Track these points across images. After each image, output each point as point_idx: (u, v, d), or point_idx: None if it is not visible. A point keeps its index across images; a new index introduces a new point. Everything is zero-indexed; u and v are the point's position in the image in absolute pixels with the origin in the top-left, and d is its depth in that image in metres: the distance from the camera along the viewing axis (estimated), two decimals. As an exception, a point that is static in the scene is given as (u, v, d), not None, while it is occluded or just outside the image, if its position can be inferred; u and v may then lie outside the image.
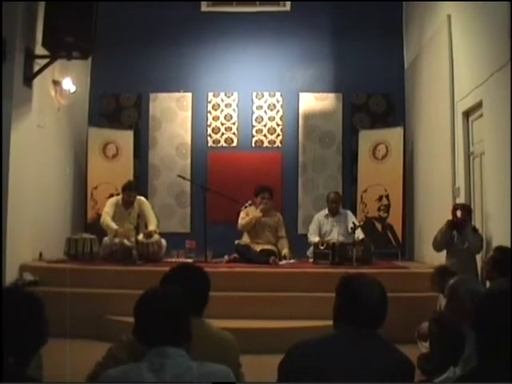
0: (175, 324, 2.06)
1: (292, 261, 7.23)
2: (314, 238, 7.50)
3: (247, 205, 7.60)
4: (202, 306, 2.65)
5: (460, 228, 5.66)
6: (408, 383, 2.19)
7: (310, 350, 2.20)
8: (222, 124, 9.25)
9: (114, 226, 7.11)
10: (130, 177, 8.49)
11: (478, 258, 5.69)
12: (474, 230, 5.64)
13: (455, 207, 5.86)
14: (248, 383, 2.73)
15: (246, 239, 7.47)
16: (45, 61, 6.71)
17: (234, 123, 9.26)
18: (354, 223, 7.27)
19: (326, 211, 7.79)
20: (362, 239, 7.18)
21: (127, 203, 7.33)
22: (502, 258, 4.19)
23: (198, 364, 2.01)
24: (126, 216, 7.32)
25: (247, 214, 7.49)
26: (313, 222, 7.84)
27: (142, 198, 7.59)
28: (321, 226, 7.72)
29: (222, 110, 9.27)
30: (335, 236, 7.56)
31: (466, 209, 5.82)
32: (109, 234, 7.14)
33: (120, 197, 7.42)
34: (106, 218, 7.20)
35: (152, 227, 7.19)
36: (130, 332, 2.51)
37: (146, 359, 1.99)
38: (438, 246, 5.90)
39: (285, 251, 7.38)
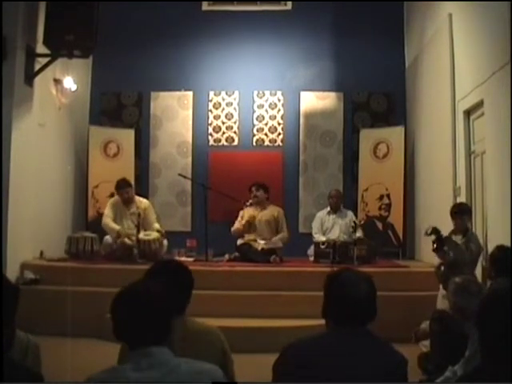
0: (158, 322, 1.98)
1: (273, 240, 7.28)
2: (319, 237, 7.53)
3: (248, 204, 7.61)
4: (185, 303, 2.62)
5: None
6: (402, 380, 2.18)
7: (303, 350, 2.19)
8: (223, 123, 9.25)
9: (115, 226, 7.13)
10: (131, 175, 8.48)
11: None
12: (456, 244, 5.61)
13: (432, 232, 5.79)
14: (247, 383, 2.73)
15: (246, 238, 7.47)
16: (46, 59, 6.70)
17: (234, 122, 9.26)
18: (354, 222, 7.30)
19: (327, 209, 7.87)
20: (359, 238, 7.15)
21: (126, 201, 7.33)
22: (502, 257, 4.18)
23: (185, 361, 1.97)
24: (127, 215, 7.31)
25: (242, 218, 7.54)
26: (315, 220, 7.88)
27: (146, 201, 7.58)
28: (323, 223, 7.78)
29: (223, 109, 9.26)
30: (337, 232, 7.61)
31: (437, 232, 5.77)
32: (111, 235, 7.15)
33: (118, 197, 7.42)
34: (107, 221, 7.24)
35: (156, 230, 7.20)
36: None
37: (130, 360, 1.93)
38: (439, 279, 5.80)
39: (278, 236, 7.41)
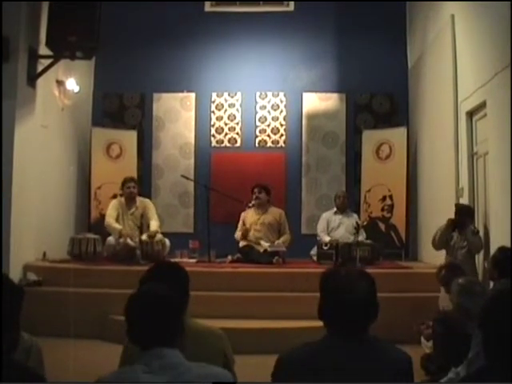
0: (170, 324, 2.01)
1: (276, 244, 7.26)
2: (324, 237, 7.54)
3: (250, 205, 7.60)
4: (185, 303, 2.61)
5: (460, 228, 5.73)
6: (409, 380, 2.08)
7: (300, 360, 2.03)
8: (226, 124, 9.26)
9: (117, 226, 7.14)
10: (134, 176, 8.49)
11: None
12: (475, 230, 5.73)
13: (458, 207, 5.91)
14: (249, 383, 2.72)
15: (248, 240, 7.46)
16: (48, 61, 6.71)
17: (237, 123, 9.26)
18: (357, 222, 7.30)
19: (334, 209, 7.91)
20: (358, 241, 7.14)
21: (129, 198, 7.33)
22: (504, 259, 4.18)
23: (196, 365, 1.97)
24: (128, 216, 7.33)
25: (243, 222, 7.54)
26: (320, 220, 7.90)
27: (146, 200, 7.60)
28: (328, 223, 7.81)
29: (226, 110, 9.27)
30: (342, 232, 7.64)
31: (468, 210, 5.90)
32: (113, 235, 7.15)
33: (121, 198, 7.44)
34: (109, 221, 7.25)
35: (154, 228, 7.19)
36: None
37: (141, 361, 1.94)
38: (436, 245, 5.99)
39: (281, 239, 7.39)
